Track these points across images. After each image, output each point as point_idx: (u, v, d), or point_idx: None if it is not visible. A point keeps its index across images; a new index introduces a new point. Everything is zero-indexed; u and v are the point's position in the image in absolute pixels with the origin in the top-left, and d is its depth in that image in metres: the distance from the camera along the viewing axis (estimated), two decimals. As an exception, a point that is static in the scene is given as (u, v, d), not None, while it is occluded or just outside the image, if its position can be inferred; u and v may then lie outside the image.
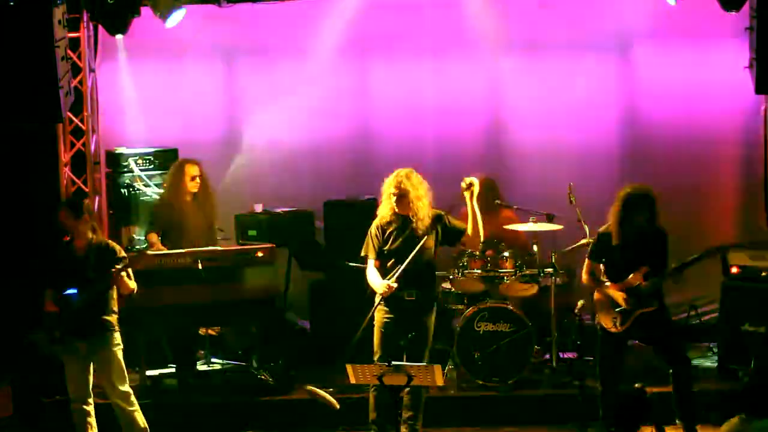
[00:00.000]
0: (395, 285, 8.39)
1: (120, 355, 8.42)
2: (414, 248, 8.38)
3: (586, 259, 8.54)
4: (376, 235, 8.61)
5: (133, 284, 8.40)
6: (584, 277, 8.54)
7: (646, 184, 8.39)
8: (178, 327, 9.83)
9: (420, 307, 8.55)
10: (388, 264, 8.54)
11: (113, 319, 8.42)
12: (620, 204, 8.29)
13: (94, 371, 8.45)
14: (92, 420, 8.47)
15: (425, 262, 8.53)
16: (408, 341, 8.40)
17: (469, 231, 8.57)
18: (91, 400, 8.47)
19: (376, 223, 8.65)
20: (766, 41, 8.65)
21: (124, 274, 8.26)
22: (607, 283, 8.40)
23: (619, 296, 8.31)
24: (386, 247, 8.56)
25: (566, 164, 10.69)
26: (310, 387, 8.65)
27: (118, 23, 9.88)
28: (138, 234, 10.41)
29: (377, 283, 8.52)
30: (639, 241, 8.27)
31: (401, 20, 10.96)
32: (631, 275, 8.28)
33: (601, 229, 8.47)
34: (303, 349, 10.42)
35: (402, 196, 8.49)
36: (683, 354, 8.45)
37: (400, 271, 8.36)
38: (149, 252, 9.28)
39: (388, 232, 8.58)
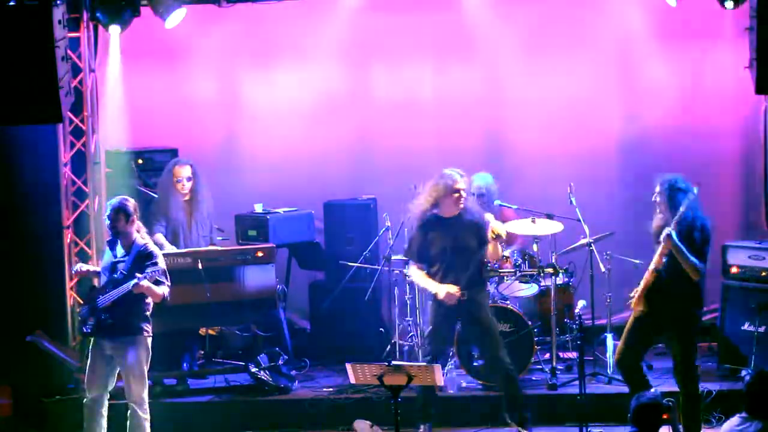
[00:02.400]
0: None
1: (145, 361, 8.31)
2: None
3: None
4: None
5: (161, 290, 8.26)
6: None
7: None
8: (178, 327, 9.83)
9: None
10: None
11: (145, 324, 8.33)
12: (664, 193, 8.31)
13: (118, 372, 8.41)
14: (103, 421, 8.41)
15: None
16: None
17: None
18: (106, 400, 8.40)
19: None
20: (766, 41, 8.65)
21: (144, 283, 8.11)
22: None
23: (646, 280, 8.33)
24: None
25: (566, 164, 10.69)
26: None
27: (116, 14, 9.86)
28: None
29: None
30: (681, 231, 8.22)
31: (401, 20, 10.96)
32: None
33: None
34: (303, 349, 10.43)
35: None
36: (684, 362, 8.31)
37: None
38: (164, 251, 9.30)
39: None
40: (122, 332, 8.27)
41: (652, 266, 8.26)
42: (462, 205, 8.66)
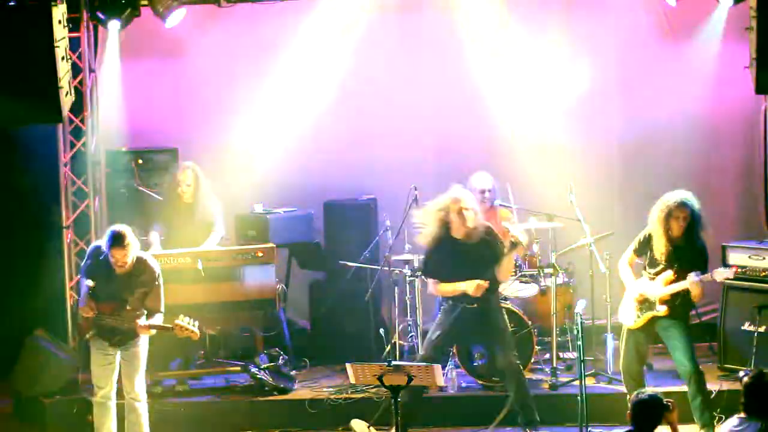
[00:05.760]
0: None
1: (146, 355, 8.41)
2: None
3: (630, 250, 8.59)
4: None
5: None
6: (620, 264, 8.58)
7: (688, 193, 8.44)
8: (178, 327, 9.83)
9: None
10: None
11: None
12: (661, 208, 8.35)
13: (120, 367, 8.44)
14: (113, 414, 8.45)
15: None
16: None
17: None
18: (113, 395, 8.45)
19: None
20: (766, 41, 8.65)
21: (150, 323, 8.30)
22: (632, 279, 8.48)
23: (631, 295, 8.38)
24: None
25: (566, 164, 10.69)
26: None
27: (116, 13, 9.85)
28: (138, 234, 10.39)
29: None
30: (680, 248, 8.30)
31: (401, 20, 10.96)
32: (656, 279, 8.34)
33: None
34: (303, 349, 10.43)
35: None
36: (686, 362, 8.39)
37: None
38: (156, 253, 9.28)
39: None
40: (130, 334, 8.35)
41: (661, 295, 8.31)
42: (471, 225, 8.59)
